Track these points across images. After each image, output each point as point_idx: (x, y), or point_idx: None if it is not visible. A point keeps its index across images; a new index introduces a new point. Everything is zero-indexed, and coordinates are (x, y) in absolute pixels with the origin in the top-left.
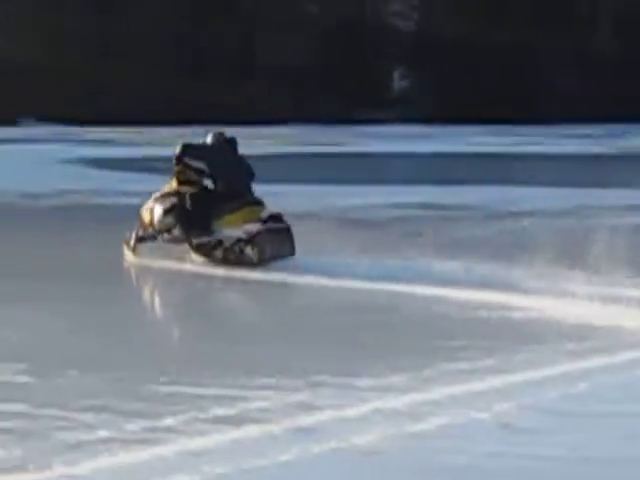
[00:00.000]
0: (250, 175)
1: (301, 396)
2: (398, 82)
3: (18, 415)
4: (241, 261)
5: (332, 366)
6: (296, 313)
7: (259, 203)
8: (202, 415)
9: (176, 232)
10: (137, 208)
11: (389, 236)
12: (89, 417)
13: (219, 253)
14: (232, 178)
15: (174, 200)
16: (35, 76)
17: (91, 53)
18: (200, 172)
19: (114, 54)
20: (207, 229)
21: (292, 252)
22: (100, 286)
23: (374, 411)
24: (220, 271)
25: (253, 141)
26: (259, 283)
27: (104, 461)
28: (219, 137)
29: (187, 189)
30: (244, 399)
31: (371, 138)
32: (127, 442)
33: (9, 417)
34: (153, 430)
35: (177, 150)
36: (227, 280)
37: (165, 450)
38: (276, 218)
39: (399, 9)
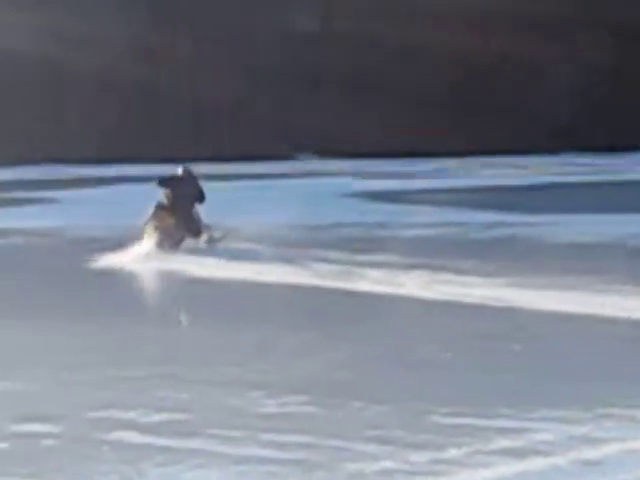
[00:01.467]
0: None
1: (586, 428)
2: None
3: (304, 446)
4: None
5: (618, 397)
6: (575, 343)
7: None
8: (486, 447)
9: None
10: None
11: None
12: (373, 448)
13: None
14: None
15: None
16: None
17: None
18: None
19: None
20: None
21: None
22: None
23: None
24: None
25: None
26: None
27: None
28: (185, 169)
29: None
30: (528, 431)
31: None
32: (411, 474)
33: (295, 448)
34: (437, 462)
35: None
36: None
37: None
38: None
39: None
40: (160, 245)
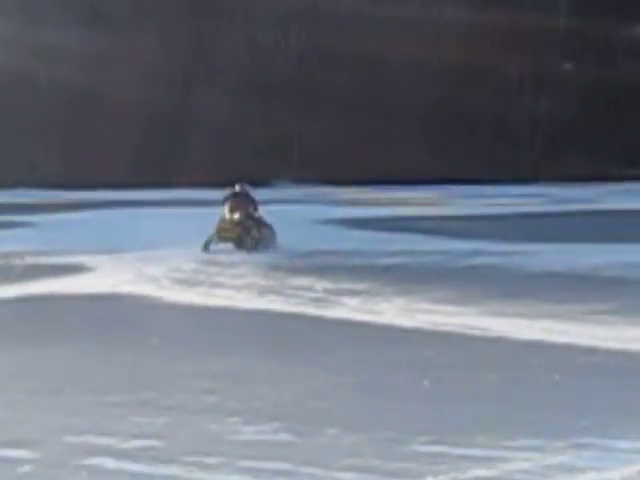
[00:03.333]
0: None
1: (562, 458)
2: None
3: (281, 473)
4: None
5: (594, 427)
6: (551, 372)
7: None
8: (463, 475)
9: None
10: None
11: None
12: (350, 476)
13: None
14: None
15: None
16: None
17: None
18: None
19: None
20: None
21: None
22: (357, 345)
23: (638, 473)
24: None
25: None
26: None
27: None
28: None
29: None
30: (505, 460)
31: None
32: None
33: (272, 475)
34: None
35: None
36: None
37: None
38: None
39: None
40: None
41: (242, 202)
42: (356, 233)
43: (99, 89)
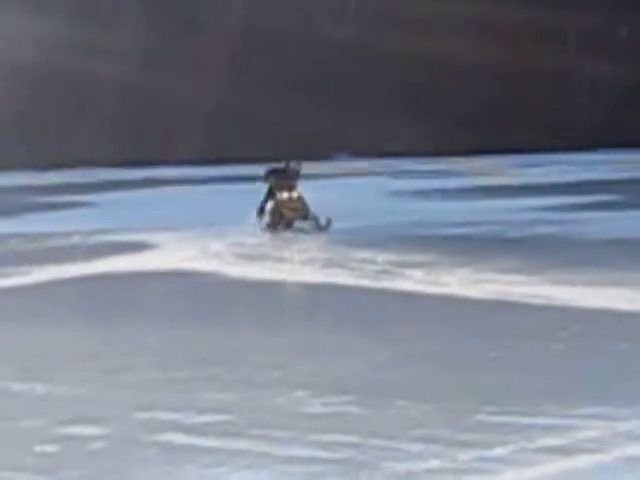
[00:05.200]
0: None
1: (630, 425)
2: None
3: (349, 446)
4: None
5: None
6: (618, 339)
7: None
8: (532, 445)
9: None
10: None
11: None
12: (418, 447)
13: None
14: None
15: None
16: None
17: None
18: None
19: None
20: None
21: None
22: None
23: None
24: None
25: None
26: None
27: None
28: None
29: None
30: (574, 428)
31: None
32: (458, 472)
33: (341, 448)
34: (484, 460)
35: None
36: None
37: None
38: None
39: None
40: (273, 226)
41: (289, 180)
42: (417, 204)
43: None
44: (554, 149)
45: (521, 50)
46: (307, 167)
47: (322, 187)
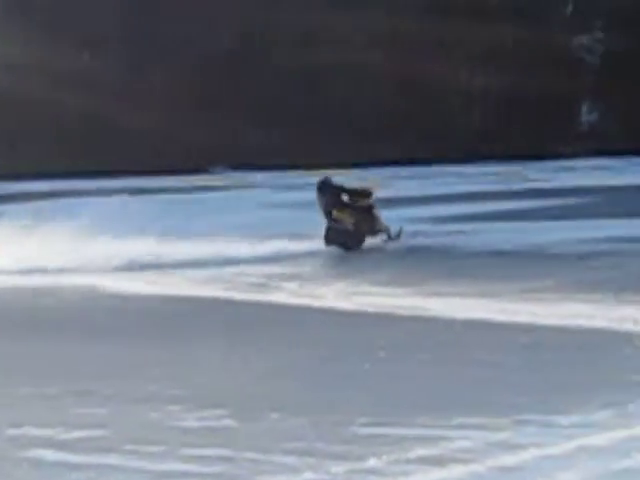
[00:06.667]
0: None
1: (503, 435)
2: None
3: (223, 459)
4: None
5: (534, 404)
6: (491, 350)
7: None
8: (405, 456)
9: None
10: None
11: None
12: (292, 460)
13: None
14: None
15: None
16: None
17: None
18: None
19: None
20: None
21: None
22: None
23: (578, 449)
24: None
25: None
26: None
27: None
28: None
29: None
30: (446, 439)
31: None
32: None
33: (215, 462)
34: (357, 472)
35: None
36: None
37: None
38: None
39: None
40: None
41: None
42: (294, 216)
43: None
44: (428, 161)
45: (397, 60)
46: (185, 180)
47: (198, 200)
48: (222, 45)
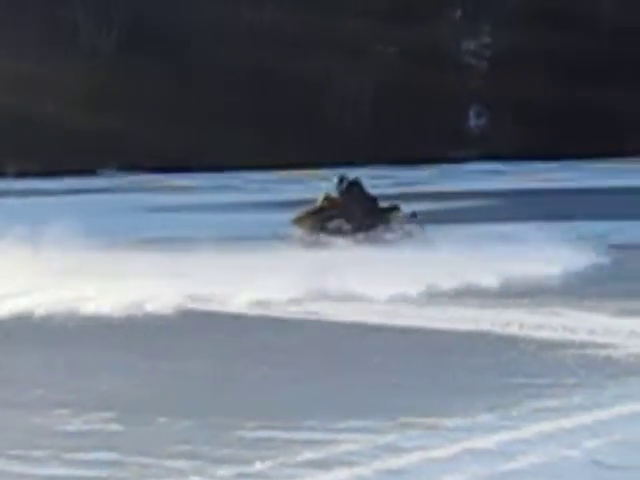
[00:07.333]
0: None
1: (389, 438)
2: (475, 120)
3: (109, 463)
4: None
5: (420, 407)
6: (375, 353)
7: None
8: (292, 459)
9: None
10: None
11: None
12: (180, 464)
13: None
14: None
15: None
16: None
17: None
18: None
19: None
20: None
21: None
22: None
23: (464, 451)
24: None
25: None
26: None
27: None
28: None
29: None
30: (333, 442)
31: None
32: None
33: (100, 466)
34: (243, 476)
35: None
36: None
37: None
38: None
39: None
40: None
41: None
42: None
43: None
44: (319, 165)
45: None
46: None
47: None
48: None
